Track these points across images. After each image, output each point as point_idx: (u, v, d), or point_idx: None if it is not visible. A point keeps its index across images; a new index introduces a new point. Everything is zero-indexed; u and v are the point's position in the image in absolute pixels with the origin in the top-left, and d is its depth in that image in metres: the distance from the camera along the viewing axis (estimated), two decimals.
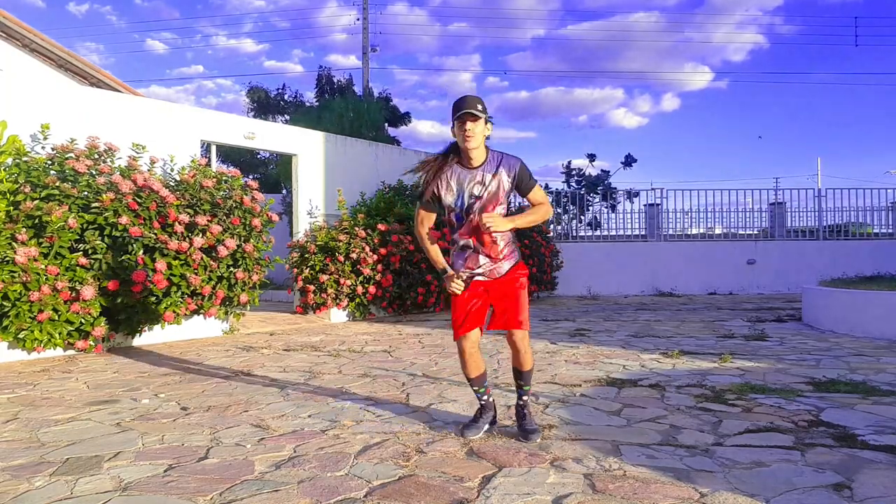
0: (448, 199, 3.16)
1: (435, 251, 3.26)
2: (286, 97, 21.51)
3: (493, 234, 3.13)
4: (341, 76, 23.97)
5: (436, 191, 3.16)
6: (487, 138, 3.14)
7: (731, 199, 32.00)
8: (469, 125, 3.00)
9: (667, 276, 13.83)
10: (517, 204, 9.73)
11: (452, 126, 3.08)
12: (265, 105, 21.03)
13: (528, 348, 3.26)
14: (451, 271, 3.19)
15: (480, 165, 3.13)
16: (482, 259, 3.19)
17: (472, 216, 3.13)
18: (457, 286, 3.14)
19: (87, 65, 12.07)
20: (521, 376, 3.33)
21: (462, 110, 2.98)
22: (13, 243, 5.58)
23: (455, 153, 3.15)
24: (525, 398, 3.36)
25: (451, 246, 3.33)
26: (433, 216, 3.28)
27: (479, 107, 3.01)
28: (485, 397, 3.37)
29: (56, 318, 5.77)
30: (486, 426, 3.36)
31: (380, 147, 11.57)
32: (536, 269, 11.79)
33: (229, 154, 18.25)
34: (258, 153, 19.30)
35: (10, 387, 4.69)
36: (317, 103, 19.91)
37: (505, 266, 3.22)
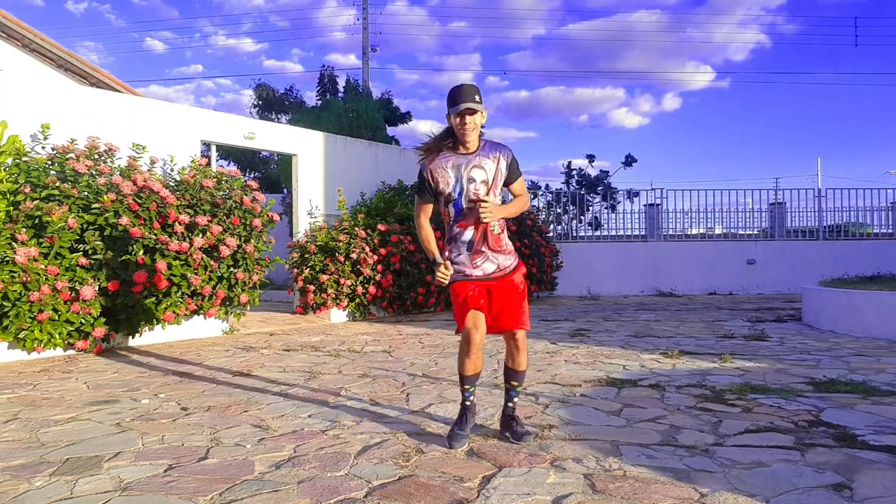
0: (445, 187, 3.13)
1: (429, 237, 3.21)
2: (290, 97, 21.50)
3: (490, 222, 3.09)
4: (345, 76, 23.99)
5: (431, 181, 3.14)
6: (483, 125, 3.16)
7: (730, 199, 32.16)
8: (468, 118, 3.02)
9: (667, 276, 13.82)
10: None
11: (448, 115, 3.07)
12: (269, 103, 21.03)
13: (527, 348, 3.30)
14: (440, 260, 3.12)
15: (475, 151, 3.13)
16: (485, 250, 3.15)
17: (474, 199, 3.07)
18: (443, 275, 3.09)
19: (86, 64, 12.07)
20: (516, 376, 3.31)
21: (461, 104, 2.98)
22: (13, 243, 5.58)
23: (449, 138, 3.14)
24: (516, 400, 3.32)
25: (447, 243, 3.24)
26: (431, 206, 3.24)
27: (477, 98, 3.02)
28: (471, 398, 3.31)
29: (56, 318, 5.77)
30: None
31: (380, 147, 11.57)
32: (536, 269, 11.78)
33: (230, 153, 18.24)
34: (259, 152, 19.29)
35: (10, 387, 4.69)
36: (319, 103, 19.91)
37: (508, 261, 3.20)
